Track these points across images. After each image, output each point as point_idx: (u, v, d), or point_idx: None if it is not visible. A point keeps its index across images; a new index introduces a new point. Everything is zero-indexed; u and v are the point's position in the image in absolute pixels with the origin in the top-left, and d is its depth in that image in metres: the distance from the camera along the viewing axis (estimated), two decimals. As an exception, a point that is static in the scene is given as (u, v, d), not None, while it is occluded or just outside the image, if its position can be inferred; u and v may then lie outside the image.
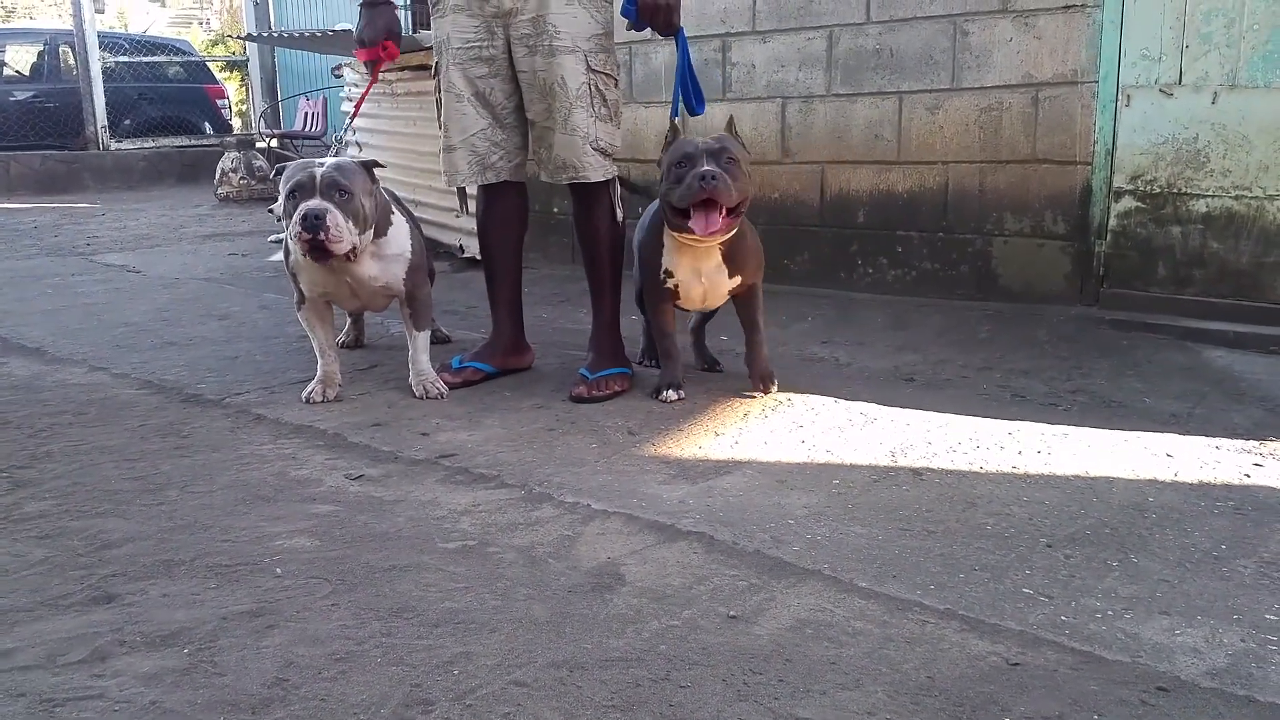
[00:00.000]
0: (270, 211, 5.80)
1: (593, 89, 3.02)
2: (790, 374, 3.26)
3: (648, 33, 3.01)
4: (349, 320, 3.66)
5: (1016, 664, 1.60)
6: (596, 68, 3.01)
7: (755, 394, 3.03)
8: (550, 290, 4.73)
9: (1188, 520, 2.13)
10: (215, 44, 19.40)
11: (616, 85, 3.10)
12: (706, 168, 2.70)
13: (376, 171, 2.94)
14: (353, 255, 2.84)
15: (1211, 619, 1.73)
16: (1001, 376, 3.25)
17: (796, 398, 3.02)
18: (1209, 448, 2.56)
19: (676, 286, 2.98)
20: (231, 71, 16.66)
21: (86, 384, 3.29)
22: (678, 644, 1.67)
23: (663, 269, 2.96)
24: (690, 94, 3.06)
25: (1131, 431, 2.69)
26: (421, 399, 3.08)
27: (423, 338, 3.14)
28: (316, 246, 2.73)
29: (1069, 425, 2.74)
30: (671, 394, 3.00)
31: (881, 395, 3.04)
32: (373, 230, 2.91)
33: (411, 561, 1.97)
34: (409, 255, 3.05)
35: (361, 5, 3.21)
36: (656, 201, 3.00)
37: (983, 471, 2.43)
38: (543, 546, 2.04)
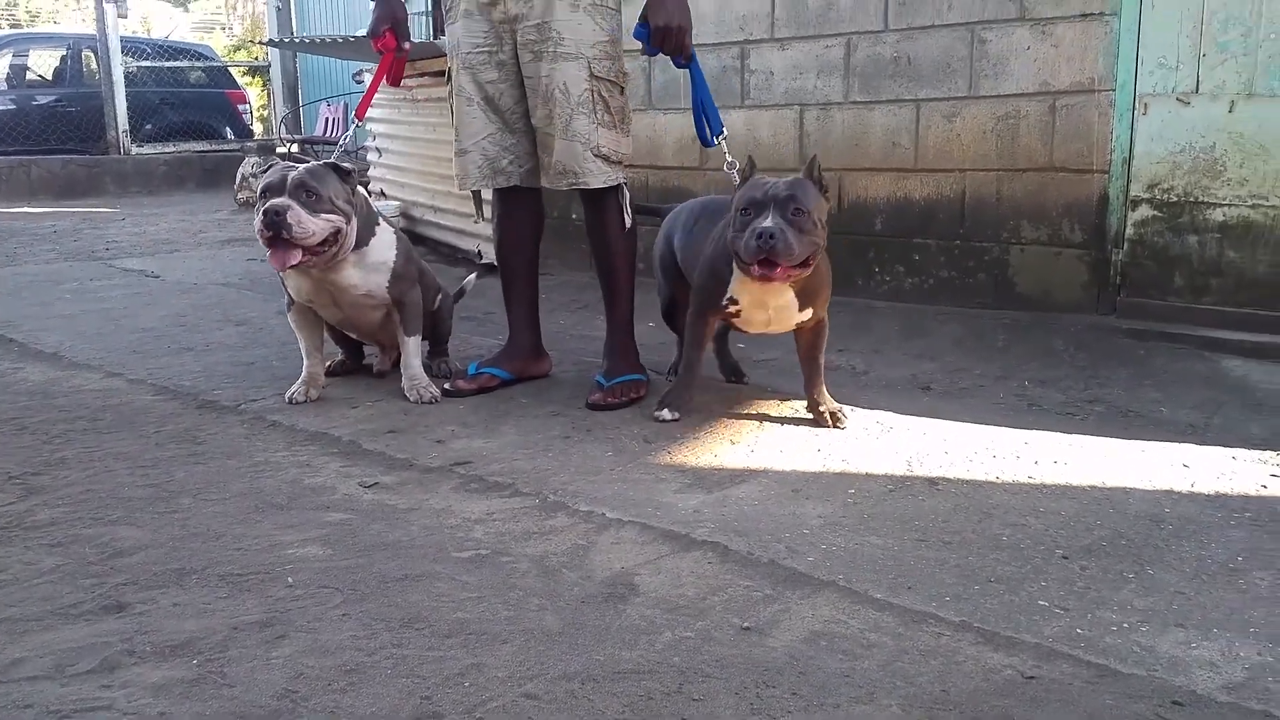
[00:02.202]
0: None
1: (595, 95, 3.00)
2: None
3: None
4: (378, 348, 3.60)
5: (1032, 677, 1.58)
6: (600, 74, 3.00)
7: (772, 401, 3.03)
8: (568, 297, 4.72)
9: (1204, 532, 2.11)
10: (238, 49, 19.48)
11: (623, 93, 3.09)
12: (768, 224, 2.49)
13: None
14: (314, 256, 2.88)
15: (1228, 632, 1.71)
16: (1018, 385, 3.23)
17: (812, 406, 3.00)
18: (1226, 458, 2.54)
19: (739, 312, 2.81)
20: (254, 77, 16.69)
21: (102, 390, 3.30)
22: (691, 656, 1.66)
23: (727, 295, 2.78)
24: (702, 123, 3.04)
25: (1149, 441, 2.67)
26: (416, 403, 3.11)
27: (413, 342, 3.18)
28: (277, 242, 2.81)
29: (1086, 435, 2.73)
30: (667, 414, 2.88)
31: (898, 404, 3.02)
32: (354, 238, 2.98)
33: (424, 571, 1.97)
34: (391, 264, 3.10)
35: None
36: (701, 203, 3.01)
37: (999, 481, 2.41)
38: (556, 556, 2.04)
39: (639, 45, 2.99)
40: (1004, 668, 1.61)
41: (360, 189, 3.08)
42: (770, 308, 2.76)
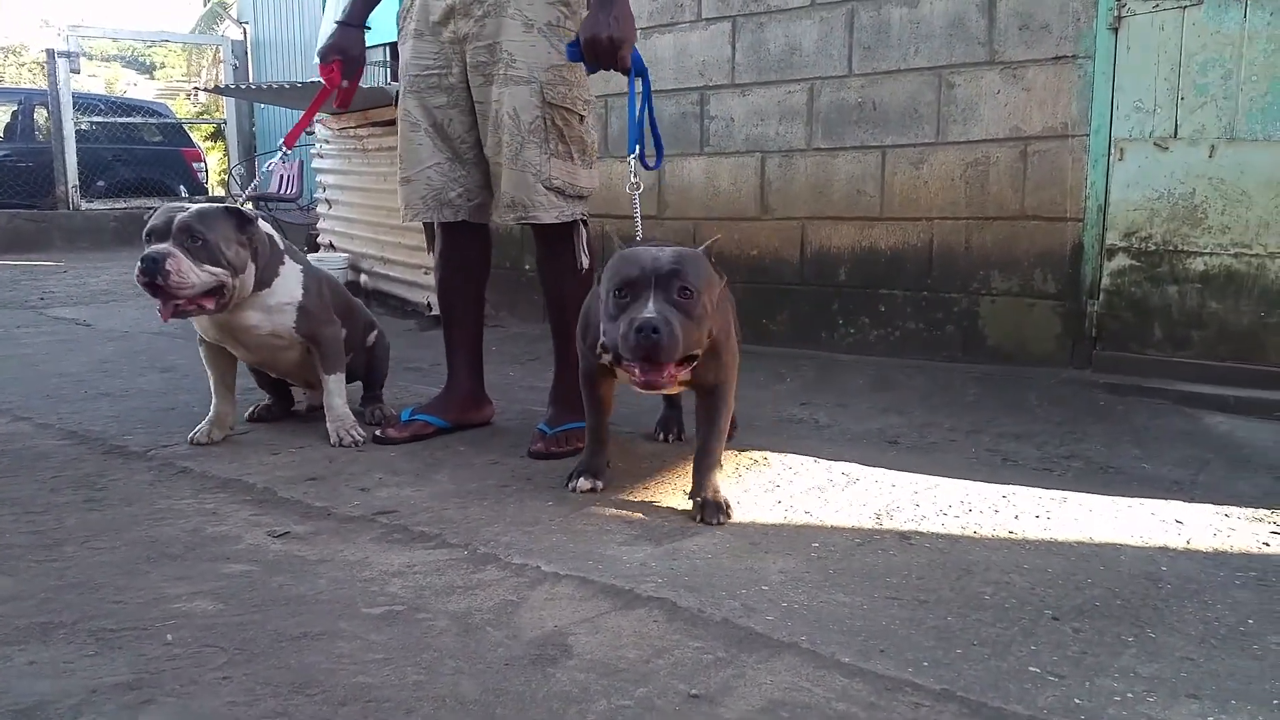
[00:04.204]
0: None
1: (548, 123, 2.78)
2: (767, 434, 3.03)
3: (623, 84, 2.67)
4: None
5: (1026, 756, 1.35)
6: (554, 101, 2.77)
7: (728, 452, 2.80)
8: (520, 349, 4.49)
9: (1207, 591, 1.90)
10: (201, 113, 19.32)
11: (582, 121, 2.86)
12: (650, 314, 2.06)
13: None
14: (218, 306, 2.76)
15: (1249, 703, 1.49)
16: (991, 440, 3.03)
17: (774, 456, 2.78)
18: (1219, 516, 2.34)
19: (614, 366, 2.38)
20: (216, 141, 16.53)
21: (4, 434, 3.03)
22: (628, 728, 1.41)
23: (600, 341, 2.33)
24: (642, 143, 2.64)
25: (1134, 498, 2.47)
26: (337, 446, 2.91)
27: (334, 380, 2.99)
28: (155, 290, 2.66)
29: (1066, 490, 2.52)
30: (584, 483, 2.50)
31: (865, 456, 2.81)
32: (251, 280, 2.81)
33: (326, 628, 1.72)
34: (298, 302, 2.92)
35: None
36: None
37: (977, 536, 2.19)
38: (481, 613, 1.79)
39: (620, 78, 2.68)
40: (993, 743, 1.38)
41: (265, 225, 2.89)
42: None
